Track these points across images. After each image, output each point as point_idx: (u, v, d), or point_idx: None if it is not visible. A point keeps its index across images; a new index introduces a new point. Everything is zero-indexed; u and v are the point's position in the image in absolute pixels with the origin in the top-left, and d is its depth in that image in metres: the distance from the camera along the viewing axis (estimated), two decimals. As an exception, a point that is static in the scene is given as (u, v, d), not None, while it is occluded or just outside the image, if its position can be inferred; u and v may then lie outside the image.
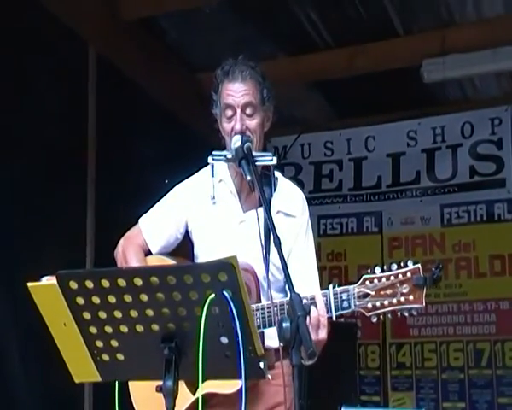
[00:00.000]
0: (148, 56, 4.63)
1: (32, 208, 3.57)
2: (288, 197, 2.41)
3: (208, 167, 2.47)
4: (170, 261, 2.43)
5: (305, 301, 2.06)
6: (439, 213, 5.58)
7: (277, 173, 2.45)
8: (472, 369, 5.31)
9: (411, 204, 5.66)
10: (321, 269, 5.40)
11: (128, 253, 2.44)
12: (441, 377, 5.39)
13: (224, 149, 2.42)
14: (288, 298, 1.79)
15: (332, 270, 5.72)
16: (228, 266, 1.54)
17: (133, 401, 2.39)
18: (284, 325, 1.70)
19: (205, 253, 2.39)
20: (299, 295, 1.75)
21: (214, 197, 2.39)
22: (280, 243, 1.89)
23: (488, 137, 5.54)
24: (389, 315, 2.13)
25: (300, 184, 5.85)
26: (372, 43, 4.89)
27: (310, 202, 5.66)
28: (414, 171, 5.70)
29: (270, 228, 1.93)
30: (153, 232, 2.48)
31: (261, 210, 2.30)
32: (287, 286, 1.84)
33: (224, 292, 1.56)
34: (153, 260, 2.47)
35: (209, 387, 2.02)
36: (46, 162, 3.68)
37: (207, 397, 2.16)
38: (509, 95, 5.59)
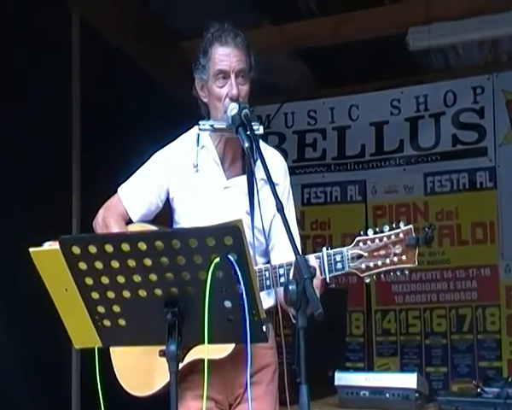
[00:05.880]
0: (132, 23, 4.57)
1: (16, 176, 3.53)
2: (271, 165, 2.36)
3: (189, 134, 2.45)
4: (152, 228, 2.38)
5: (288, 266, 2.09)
6: (423, 182, 5.59)
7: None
8: (454, 334, 5.39)
9: (395, 173, 5.67)
10: (305, 238, 5.56)
11: (109, 222, 2.41)
12: (425, 343, 5.46)
13: (203, 115, 2.41)
14: (286, 262, 1.78)
15: (316, 238, 5.74)
16: (234, 230, 1.54)
17: (115, 369, 2.37)
18: (290, 287, 1.71)
19: (187, 220, 2.38)
20: (304, 257, 1.76)
21: (197, 165, 2.39)
22: (283, 208, 1.89)
23: (470, 106, 5.55)
24: (382, 275, 2.16)
25: (284, 153, 5.81)
26: (357, 12, 4.87)
27: (293, 171, 5.74)
28: (397, 140, 5.70)
29: (272, 194, 1.92)
30: (133, 200, 2.45)
31: (244, 178, 2.31)
32: (288, 250, 1.83)
33: (229, 256, 1.57)
34: (135, 228, 2.42)
35: (196, 353, 2.02)
36: (30, 131, 3.63)
37: (194, 363, 2.15)
38: (490, 64, 5.61)
